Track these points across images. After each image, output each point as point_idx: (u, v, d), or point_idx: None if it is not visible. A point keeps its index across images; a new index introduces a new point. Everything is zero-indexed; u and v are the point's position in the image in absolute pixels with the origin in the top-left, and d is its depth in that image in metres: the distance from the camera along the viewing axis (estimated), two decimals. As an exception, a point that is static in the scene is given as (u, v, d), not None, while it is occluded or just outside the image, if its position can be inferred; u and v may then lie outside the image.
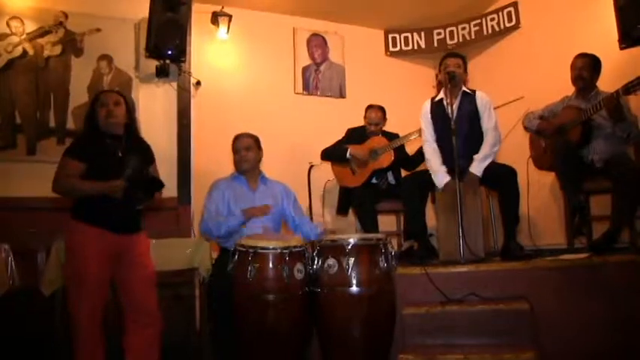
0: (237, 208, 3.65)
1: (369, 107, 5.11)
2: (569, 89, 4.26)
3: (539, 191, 4.55)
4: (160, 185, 3.10)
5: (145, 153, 3.23)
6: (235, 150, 3.82)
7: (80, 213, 2.96)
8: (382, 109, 5.10)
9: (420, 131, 4.48)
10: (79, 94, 4.75)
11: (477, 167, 3.94)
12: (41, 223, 4.14)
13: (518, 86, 5.27)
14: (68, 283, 2.98)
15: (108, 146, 3.03)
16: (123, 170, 2.97)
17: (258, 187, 3.83)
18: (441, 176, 4.03)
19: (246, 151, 3.78)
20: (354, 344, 3.01)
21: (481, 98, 4.14)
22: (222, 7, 5.77)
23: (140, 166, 3.04)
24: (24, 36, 4.62)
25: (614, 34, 4.17)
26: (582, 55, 4.12)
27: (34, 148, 4.56)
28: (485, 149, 4.00)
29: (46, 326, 3.56)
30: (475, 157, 3.97)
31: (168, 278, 3.75)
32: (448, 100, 4.00)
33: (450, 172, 3.93)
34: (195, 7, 5.32)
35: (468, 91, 4.18)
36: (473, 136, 4.08)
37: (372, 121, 5.05)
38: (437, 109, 4.22)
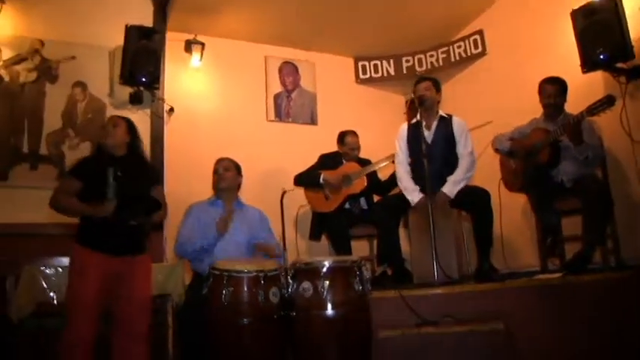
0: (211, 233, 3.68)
1: (348, 133, 5.17)
2: (535, 112, 4.35)
3: (511, 213, 4.60)
4: (156, 206, 3.18)
5: (146, 173, 3.34)
6: (215, 170, 3.92)
7: (82, 237, 3.06)
8: (357, 135, 5.17)
9: (391, 157, 4.56)
10: (53, 121, 4.78)
11: (450, 188, 4.02)
12: (11, 249, 4.10)
13: (486, 111, 5.35)
14: (66, 304, 3.03)
15: (106, 167, 3.07)
16: (107, 191, 3.01)
17: (233, 212, 3.84)
18: (414, 194, 4.11)
19: (225, 170, 3.88)
20: (329, 367, 2.98)
21: (458, 123, 4.22)
22: (196, 36, 5.84)
23: (130, 186, 3.09)
24: (0, 63, 4.66)
25: (575, 57, 4.29)
26: (551, 81, 4.19)
27: (7, 174, 4.54)
28: (459, 173, 4.08)
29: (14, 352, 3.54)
30: (448, 178, 4.04)
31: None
32: (425, 124, 4.05)
33: (424, 192, 3.97)
34: (169, 36, 5.43)
35: (445, 115, 4.26)
36: (448, 161, 4.15)
37: (353, 146, 5.11)
38: (414, 132, 4.27)
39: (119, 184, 3.03)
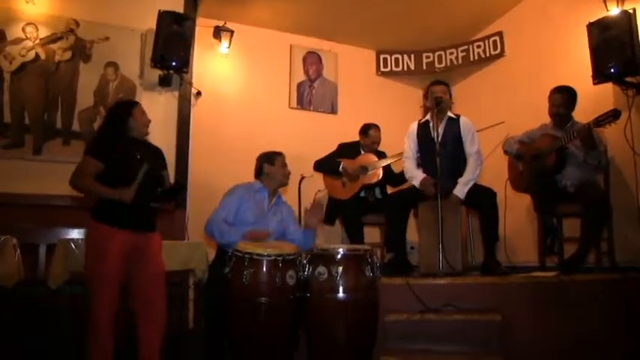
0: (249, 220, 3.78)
1: (372, 126, 5.30)
2: (547, 116, 4.46)
3: (516, 211, 4.78)
4: (180, 189, 3.33)
5: (158, 157, 3.44)
6: (283, 164, 4.02)
7: (99, 214, 3.12)
8: (380, 130, 5.35)
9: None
10: (85, 98, 4.96)
11: (461, 190, 4.19)
12: (43, 219, 4.36)
13: (499, 111, 5.52)
14: (89, 281, 3.10)
15: (128, 149, 3.21)
16: (135, 175, 3.12)
17: (273, 206, 3.96)
18: (418, 176, 4.34)
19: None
20: (339, 346, 3.22)
21: (465, 123, 4.39)
22: (225, 23, 6.03)
23: (152, 171, 3.22)
24: (37, 41, 4.84)
25: (589, 66, 4.43)
26: (560, 91, 4.33)
27: (41, 148, 4.74)
28: (468, 174, 4.25)
29: (52, 318, 3.74)
30: (459, 180, 4.22)
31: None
32: (433, 124, 4.26)
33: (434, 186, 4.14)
34: (199, 21, 5.57)
35: (453, 116, 4.44)
36: (456, 159, 4.33)
37: (375, 140, 5.28)
38: (423, 131, 4.47)
39: (139, 171, 3.14)
